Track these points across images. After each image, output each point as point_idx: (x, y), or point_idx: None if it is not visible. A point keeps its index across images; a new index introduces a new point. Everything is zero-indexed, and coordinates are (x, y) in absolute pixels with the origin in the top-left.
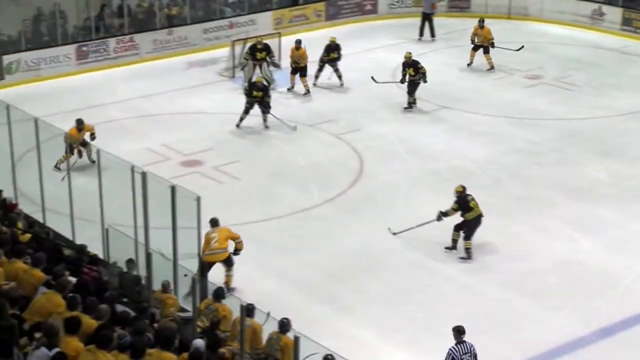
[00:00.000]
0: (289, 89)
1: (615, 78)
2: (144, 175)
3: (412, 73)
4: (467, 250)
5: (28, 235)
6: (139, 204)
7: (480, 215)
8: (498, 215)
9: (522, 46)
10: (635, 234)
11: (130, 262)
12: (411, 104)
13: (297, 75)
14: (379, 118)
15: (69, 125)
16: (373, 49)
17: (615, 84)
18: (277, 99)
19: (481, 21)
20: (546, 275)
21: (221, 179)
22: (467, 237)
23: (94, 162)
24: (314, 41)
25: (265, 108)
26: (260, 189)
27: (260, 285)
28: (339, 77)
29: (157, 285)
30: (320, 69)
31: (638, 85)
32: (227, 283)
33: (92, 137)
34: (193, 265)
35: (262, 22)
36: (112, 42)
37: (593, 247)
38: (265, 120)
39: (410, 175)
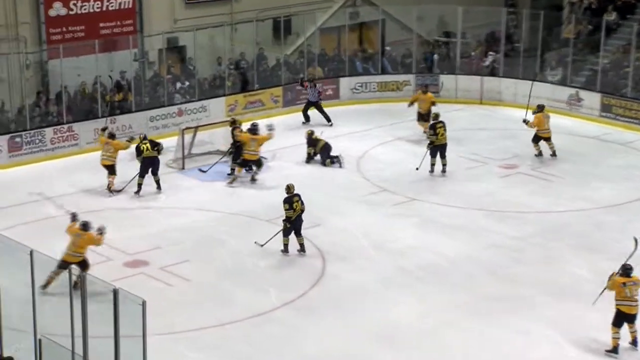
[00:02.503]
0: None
1: (596, 168)
2: (82, 278)
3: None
4: (301, 245)
5: None
6: (77, 311)
7: (301, 213)
8: (474, 317)
9: None
10: (621, 335)
11: None
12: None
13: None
14: (342, 211)
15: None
16: (335, 137)
17: (596, 174)
18: (230, 191)
19: (424, 86)
20: None
21: (169, 281)
22: (297, 234)
23: None
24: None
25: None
26: (213, 291)
27: None
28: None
29: None
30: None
31: (620, 176)
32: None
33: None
34: None
35: (214, 109)
36: (49, 132)
37: (578, 352)
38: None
39: (377, 273)
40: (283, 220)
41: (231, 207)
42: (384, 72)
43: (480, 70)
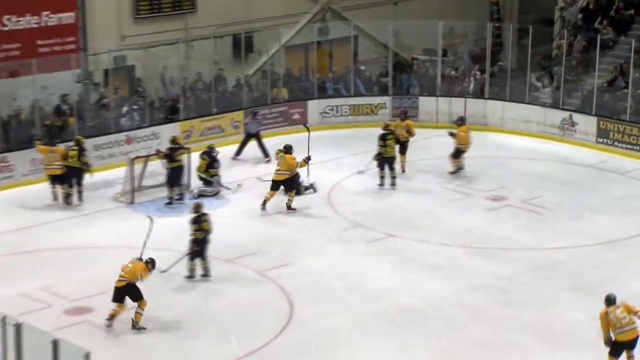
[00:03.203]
0: None
1: (592, 199)
2: (18, 327)
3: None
4: (206, 269)
5: None
6: None
7: (208, 234)
8: None
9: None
10: None
11: None
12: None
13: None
14: (312, 249)
15: None
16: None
17: (591, 206)
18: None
19: (404, 113)
20: None
21: (118, 329)
22: (203, 257)
23: None
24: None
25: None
26: (168, 340)
27: None
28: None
29: None
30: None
31: (618, 208)
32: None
33: None
34: None
35: (167, 136)
36: None
37: None
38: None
39: (351, 318)
40: (190, 242)
41: (186, 245)
42: (357, 94)
43: (464, 91)
